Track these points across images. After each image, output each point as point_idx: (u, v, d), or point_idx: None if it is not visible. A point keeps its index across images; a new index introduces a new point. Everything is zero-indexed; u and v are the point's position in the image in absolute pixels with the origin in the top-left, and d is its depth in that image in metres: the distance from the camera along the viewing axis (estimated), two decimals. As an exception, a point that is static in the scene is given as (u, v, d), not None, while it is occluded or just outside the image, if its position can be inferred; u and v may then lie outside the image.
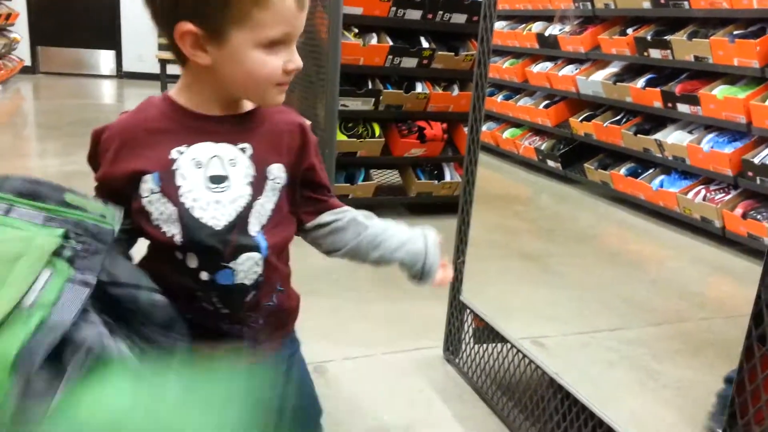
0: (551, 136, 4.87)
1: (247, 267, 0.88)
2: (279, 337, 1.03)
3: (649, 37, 3.65)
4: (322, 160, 0.98)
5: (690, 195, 3.37)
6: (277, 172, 0.90)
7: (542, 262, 3.15)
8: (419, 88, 3.46)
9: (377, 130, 3.44)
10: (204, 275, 0.86)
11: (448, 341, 2.10)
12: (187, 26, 0.80)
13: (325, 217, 1.00)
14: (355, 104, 3.33)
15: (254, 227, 0.88)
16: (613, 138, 4.10)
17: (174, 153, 0.85)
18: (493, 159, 5.45)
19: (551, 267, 3.12)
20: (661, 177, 3.66)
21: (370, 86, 3.39)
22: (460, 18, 3.40)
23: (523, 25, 5.31)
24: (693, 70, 3.50)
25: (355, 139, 3.37)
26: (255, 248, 0.88)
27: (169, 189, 0.84)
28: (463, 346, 2.03)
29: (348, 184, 3.43)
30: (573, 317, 2.44)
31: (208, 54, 0.82)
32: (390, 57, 3.30)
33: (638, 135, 3.74)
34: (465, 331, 2.04)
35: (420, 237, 1.04)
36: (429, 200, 3.63)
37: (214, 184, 0.85)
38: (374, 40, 3.34)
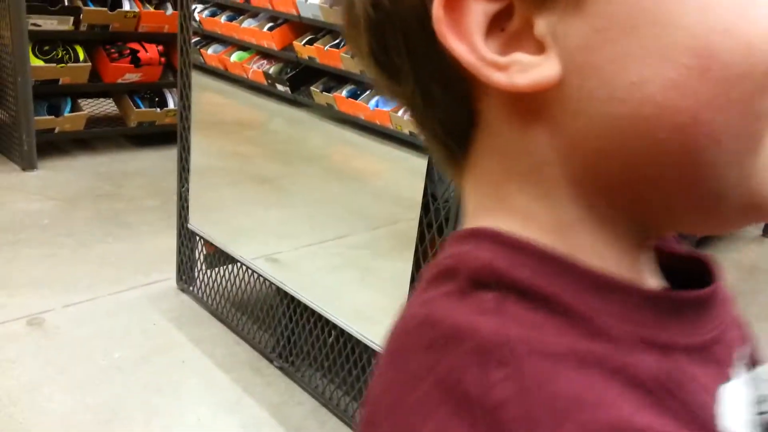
0: (278, 60, 4.93)
1: None
2: None
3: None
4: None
5: (400, 113, 3.77)
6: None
7: (275, 185, 3.28)
8: (127, 5, 3.18)
9: (81, 54, 3.10)
10: None
11: (181, 271, 2.11)
12: None
13: None
14: (49, 23, 2.93)
15: None
16: (334, 61, 4.32)
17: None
18: (224, 84, 5.33)
19: (283, 188, 3.27)
20: (377, 97, 4.02)
21: (66, 3, 2.99)
22: (166, -71, 3.16)
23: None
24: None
25: (54, 65, 2.99)
26: None
27: None
28: (196, 274, 2.06)
29: (52, 117, 3.06)
30: (303, 232, 2.62)
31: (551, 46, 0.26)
32: (87, -32, 2.95)
33: (354, 58, 4.01)
34: (197, 258, 2.06)
35: None
36: (152, 129, 3.44)
37: None
38: (64, -52, 2.93)
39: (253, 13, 5.23)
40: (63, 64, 3.02)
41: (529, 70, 0.23)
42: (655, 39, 0.21)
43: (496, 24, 0.23)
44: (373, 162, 3.84)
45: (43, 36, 2.95)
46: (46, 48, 3.01)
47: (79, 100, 3.24)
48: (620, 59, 0.22)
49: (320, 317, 1.58)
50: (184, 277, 2.10)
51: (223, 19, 5.53)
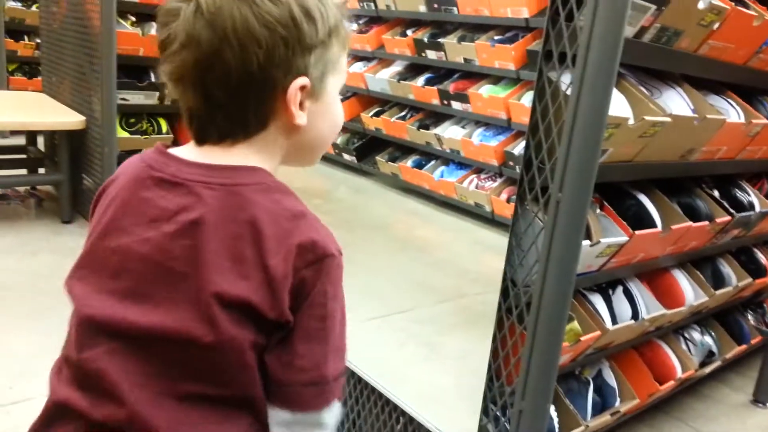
0: (345, 131, 5.05)
1: None
2: None
3: (425, 39, 3.96)
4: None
5: (465, 183, 3.77)
6: None
7: (339, 253, 3.27)
8: (208, 82, 3.35)
9: (164, 126, 3.27)
10: None
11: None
12: (304, 81, 0.66)
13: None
14: (137, 98, 3.12)
15: None
16: (399, 132, 4.40)
17: None
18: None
19: (347, 257, 3.25)
20: (442, 168, 4.03)
21: (153, 79, 3.19)
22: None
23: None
24: (464, 71, 3.89)
25: (139, 136, 3.16)
26: None
27: None
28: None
29: (133, 185, 3.21)
30: (368, 304, 2.59)
31: (305, 111, 0.68)
32: (174, 49, 3.14)
33: (420, 129, 4.05)
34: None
35: None
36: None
37: None
38: (154, 30, 3.14)
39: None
40: (147, 136, 3.19)
41: (302, 118, 0.67)
42: (328, 119, 0.72)
43: (301, 99, 0.67)
44: (437, 232, 3.85)
45: (130, 109, 3.14)
46: (132, 120, 3.20)
47: (159, 169, 3.40)
48: (320, 122, 0.70)
49: (388, 401, 1.51)
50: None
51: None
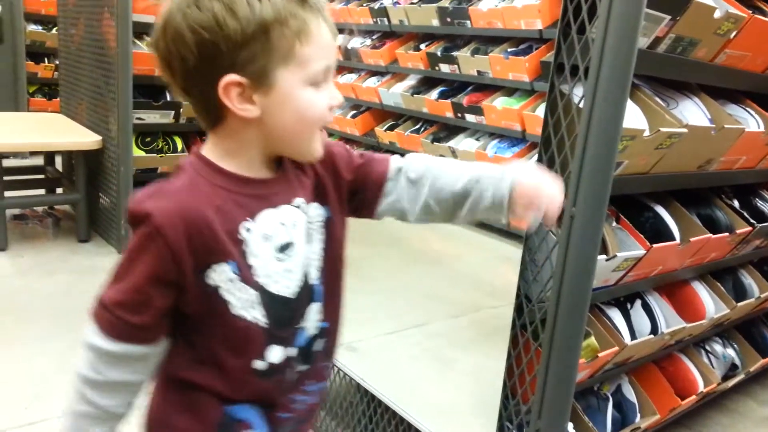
0: (360, 145, 5.07)
1: (312, 319, 0.83)
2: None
3: (438, 53, 3.97)
4: (360, 154, 0.88)
5: (480, 196, 3.72)
6: (316, 211, 0.83)
7: (355, 267, 3.26)
8: (222, 99, 3.38)
9: (179, 144, 3.30)
10: (291, 351, 0.81)
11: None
12: (232, 78, 0.70)
13: (387, 195, 0.87)
14: (152, 117, 3.15)
15: (313, 276, 0.82)
16: (414, 146, 4.39)
17: (243, 232, 0.75)
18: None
19: (363, 272, 3.25)
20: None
21: (168, 98, 3.23)
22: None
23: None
24: (477, 83, 3.88)
25: (155, 155, 3.19)
26: (316, 298, 0.83)
27: (245, 272, 0.75)
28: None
29: (150, 202, 3.23)
30: (383, 318, 2.57)
31: (257, 104, 0.72)
32: (188, 68, 3.18)
33: (435, 143, 4.05)
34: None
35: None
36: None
37: (282, 252, 0.78)
38: (170, 50, 3.19)
39: (337, 102, 5.44)
40: (162, 155, 3.22)
41: (250, 111, 0.72)
42: (288, 110, 0.73)
43: (242, 91, 0.71)
44: (452, 245, 3.82)
45: (145, 128, 3.18)
46: (148, 139, 3.23)
47: (175, 187, 3.42)
48: (278, 114, 0.73)
49: (402, 419, 1.49)
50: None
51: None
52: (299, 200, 0.80)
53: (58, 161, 3.68)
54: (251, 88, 0.71)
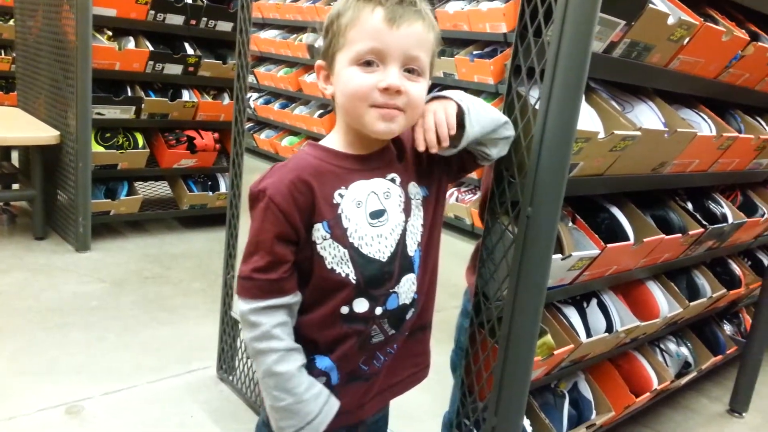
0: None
1: (407, 288, 0.95)
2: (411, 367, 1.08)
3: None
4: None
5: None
6: (414, 189, 0.97)
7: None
8: (186, 96, 3.34)
9: (140, 141, 3.24)
10: (378, 310, 0.93)
11: (221, 360, 2.06)
12: (318, 63, 0.94)
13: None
14: (113, 112, 3.09)
15: (411, 247, 0.95)
16: (380, 146, 4.34)
17: (336, 197, 0.90)
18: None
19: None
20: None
21: (129, 93, 3.17)
22: (225, 26, 3.37)
23: (295, 35, 5.42)
24: (442, 85, 3.90)
25: (114, 151, 3.13)
26: (412, 268, 0.95)
27: (338, 232, 0.89)
28: (237, 363, 2.01)
29: (109, 200, 3.17)
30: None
31: (332, 85, 0.92)
32: (151, 63, 3.14)
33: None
34: (239, 347, 2.02)
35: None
36: (203, 212, 3.52)
37: (374, 219, 0.91)
38: (131, 45, 3.14)
39: (305, 101, 5.47)
40: (123, 151, 3.16)
41: (327, 90, 0.94)
42: (339, 86, 0.90)
43: (325, 75, 0.94)
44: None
45: (105, 124, 3.11)
46: (108, 135, 3.16)
47: (136, 184, 3.36)
48: (337, 90, 0.91)
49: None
50: (224, 366, 2.06)
51: (276, 106, 5.81)
52: (393, 175, 0.94)
53: (15, 156, 3.57)
54: (327, 70, 0.92)
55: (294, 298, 0.91)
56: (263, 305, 0.88)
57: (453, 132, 0.93)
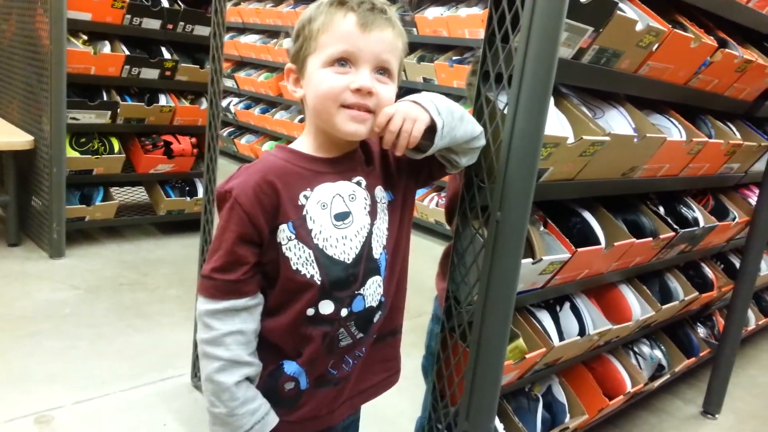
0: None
1: (372, 290, 0.96)
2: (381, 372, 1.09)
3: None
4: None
5: (425, 201, 3.78)
6: (381, 193, 0.98)
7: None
8: (163, 101, 3.32)
9: (116, 146, 3.21)
10: (344, 312, 0.94)
11: (196, 367, 2.04)
12: (288, 66, 0.97)
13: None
14: (87, 117, 3.06)
15: (377, 250, 0.96)
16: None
17: (301, 198, 0.91)
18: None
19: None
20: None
21: (105, 98, 3.14)
22: (203, 30, 3.35)
23: (275, 40, 5.41)
24: (423, 90, 3.93)
25: (90, 156, 3.09)
26: (378, 271, 0.96)
27: (303, 233, 0.90)
28: (212, 369, 1.99)
29: (84, 206, 3.13)
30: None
31: (302, 87, 0.94)
32: (127, 67, 3.12)
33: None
34: (213, 352, 2.00)
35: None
36: (181, 217, 3.49)
37: (339, 221, 0.92)
38: (107, 49, 3.11)
39: (285, 106, 5.46)
40: (98, 156, 3.12)
41: (297, 93, 0.96)
42: (310, 88, 0.92)
43: (296, 78, 0.96)
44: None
45: (80, 129, 3.08)
46: (83, 140, 3.12)
47: (112, 189, 3.32)
48: (308, 93, 0.93)
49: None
50: (199, 374, 2.03)
51: (256, 111, 5.79)
52: (359, 178, 0.96)
53: (-13, 162, 3.52)
54: (296, 72, 0.95)
55: (252, 301, 0.91)
56: (220, 307, 0.89)
57: (413, 146, 0.93)
